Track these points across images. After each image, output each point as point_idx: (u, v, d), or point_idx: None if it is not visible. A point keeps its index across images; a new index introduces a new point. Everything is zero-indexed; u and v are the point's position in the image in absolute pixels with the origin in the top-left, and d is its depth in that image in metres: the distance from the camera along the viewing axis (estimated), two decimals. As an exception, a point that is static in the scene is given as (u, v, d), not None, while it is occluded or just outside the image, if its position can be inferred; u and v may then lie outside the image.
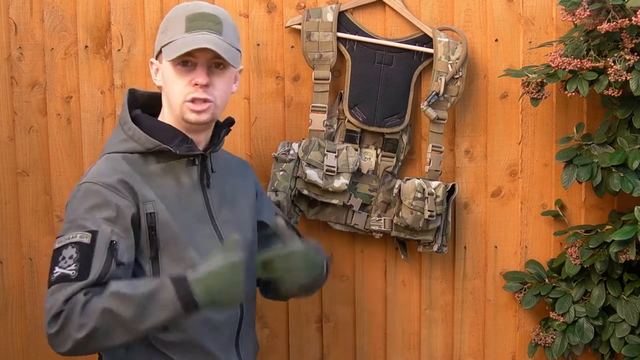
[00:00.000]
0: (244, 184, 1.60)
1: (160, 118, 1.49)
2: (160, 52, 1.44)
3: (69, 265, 1.29)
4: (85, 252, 1.30)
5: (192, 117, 1.42)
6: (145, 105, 1.52)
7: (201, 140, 1.48)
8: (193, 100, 1.41)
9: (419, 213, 1.87)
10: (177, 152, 1.42)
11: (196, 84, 1.40)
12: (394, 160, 1.95)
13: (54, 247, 1.34)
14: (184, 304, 1.26)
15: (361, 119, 1.91)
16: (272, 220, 1.61)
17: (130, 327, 1.26)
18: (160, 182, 1.43)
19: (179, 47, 1.38)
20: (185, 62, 1.41)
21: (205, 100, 1.41)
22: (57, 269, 1.30)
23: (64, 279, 1.29)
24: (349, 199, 1.92)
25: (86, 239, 1.31)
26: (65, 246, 1.32)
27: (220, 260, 1.28)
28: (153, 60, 1.48)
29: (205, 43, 1.38)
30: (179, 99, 1.42)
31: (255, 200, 1.62)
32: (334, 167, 1.87)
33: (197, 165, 1.47)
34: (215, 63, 1.43)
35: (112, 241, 1.33)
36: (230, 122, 1.57)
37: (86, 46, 1.93)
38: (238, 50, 1.46)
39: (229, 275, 1.28)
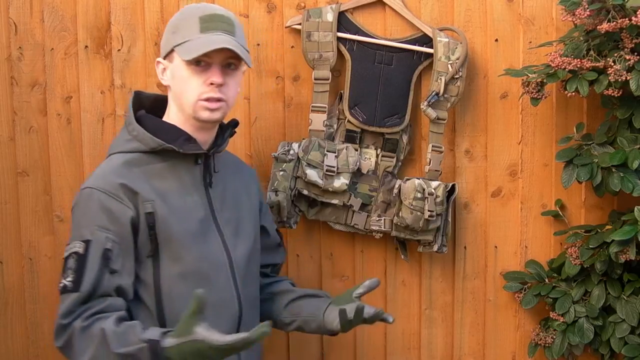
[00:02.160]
0: (247, 188, 1.63)
1: (165, 118, 1.51)
2: (171, 51, 1.45)
3: (68, 277, 1.37)
4: (80, 262, 1.37)
5: (205, 115, 1.44)
6: (151, 107, 1.54)
7: (205, 140, 1.50)
8: (207, 100, 1.43)
9: (419, 213, 1.87)
10: (181, 150, 1.44)
11: (212, 84, 1.42)
12: (394, 160, 1.95)
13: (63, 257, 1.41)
14: None
15: (361, 119, 1.91)
16: (273, 233, 1.71)
17: None
18: (162, 181, 1.45)
19: (197, 47, 1.40)
20: (199, 61, 1.42)
21: (218, 100, 1.44)
22: (61, 281, 1.38)
23: (64, 290, 1.37)
24: (349, 199, 1.92)
25: (81, 249, 1.38)
26: (69, 256, 1.39)
27: (191, 333, 1.25)
28: (161, 59, 1.49)
29: (223, 43, 1.40)
30: (193, 97, 1.43)
31: (257, 206, 1.65)
32: (334, 167, 1.87)
33: (200, 164, 1.49)
34: (227, 63, 1.45)
35: (105, 249, 1.37)
36: (234, 123, 1.59)
37: (86, 46, 1.93)
38: (248, 50, 1.49)
39: (201, 348, 1.24)
